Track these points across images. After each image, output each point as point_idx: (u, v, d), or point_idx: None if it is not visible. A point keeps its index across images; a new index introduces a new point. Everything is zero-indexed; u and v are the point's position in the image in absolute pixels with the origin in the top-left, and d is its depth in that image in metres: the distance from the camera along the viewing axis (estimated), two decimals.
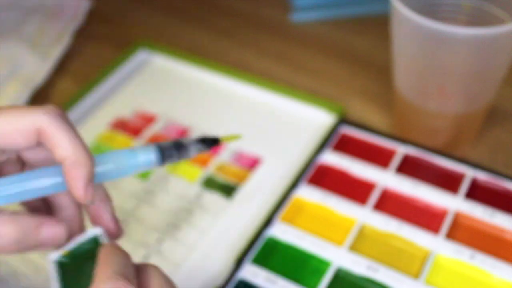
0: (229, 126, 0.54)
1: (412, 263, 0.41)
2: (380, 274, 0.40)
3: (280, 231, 0.43)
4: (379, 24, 0.60)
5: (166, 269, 0.32)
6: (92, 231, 0.32)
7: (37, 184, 0.30)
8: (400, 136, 0.50)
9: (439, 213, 0.44)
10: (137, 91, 0.59)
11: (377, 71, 0.58)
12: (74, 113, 0.55)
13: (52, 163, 0.31)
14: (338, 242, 0.42)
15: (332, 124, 0.51)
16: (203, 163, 0.50)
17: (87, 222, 0.35)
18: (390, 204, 0.45)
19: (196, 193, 0.48)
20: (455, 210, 0.44)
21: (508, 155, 0.49)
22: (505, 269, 0.40)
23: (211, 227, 0.46)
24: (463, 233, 0.43)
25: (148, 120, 0.55)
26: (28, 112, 0.29)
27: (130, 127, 0.54)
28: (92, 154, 0.30)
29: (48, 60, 0.63)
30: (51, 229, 0.31)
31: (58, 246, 0.31)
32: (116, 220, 0.34)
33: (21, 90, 0.58)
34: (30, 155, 0.32)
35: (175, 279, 0.32)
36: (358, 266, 0.41)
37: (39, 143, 0.30)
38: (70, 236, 0.32)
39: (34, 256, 0.45)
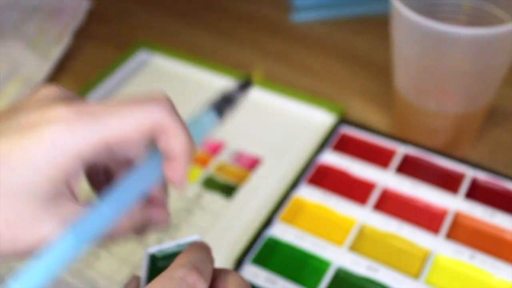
0: (229, 126, 0.54)
1: (412, 263, 0.41)
2: (380, 274, 0.40)
3: (280, 231, 0.43)
4: (379, 24, 0.60)
5: None
6: (193, 237, 0.32)
7: (149, 183, 0.30)
8: (400, 136, 0.50)
9: (439, 213, 0.44)
10: (137, 91, 0.59)
11: (377, 71, 0.58)
12: None
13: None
14: (338, 242, 0.42)
15: (332, 124, 0.51)
16: (203, 163, 0.50)
17: None
18: (390, 204, 0.45)
19: (196, 193, 0.48)
20: (455, 210, 0.44)
21: (508, 155, 0.49)
22: (505, 269, 0.40)
23: (211, 227, 0.46)
24: (463, 233, 0.43)
25: None
26: (143, 107, 0.28)
27: None
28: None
29: (48, 60, 0.63)
30: (158, 215, 0.32)
31: (162, 228, 0.33)
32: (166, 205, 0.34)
33: (21, 90, 0.58)
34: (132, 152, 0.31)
35: None
36: (358, 266, 0.41)
37: (152, 138, 0.29)
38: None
39: None
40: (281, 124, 0.53)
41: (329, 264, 0.41)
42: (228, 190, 0.48)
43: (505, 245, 0.41)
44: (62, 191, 0.27)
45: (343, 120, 0.51)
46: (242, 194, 0.48)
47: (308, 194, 0.46)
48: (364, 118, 0.53)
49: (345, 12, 0.66)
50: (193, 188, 0.49)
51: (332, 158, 0.48)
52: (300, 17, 0.67)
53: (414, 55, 0.44)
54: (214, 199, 0.48)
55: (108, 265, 0.44)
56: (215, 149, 0.51)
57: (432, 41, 0.41)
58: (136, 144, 0.29)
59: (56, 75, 0.62)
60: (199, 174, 0.50)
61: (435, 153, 0.47)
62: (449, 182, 0.46)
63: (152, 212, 0.32)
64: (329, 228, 0.44)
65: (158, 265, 0.31)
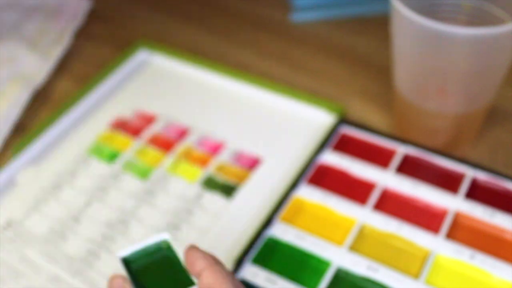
0: (229, 126, 0.54)
1: (412, 263, 0.41)
2: (380, 274, 0.40)
3: (280, 231, 0.43)
4: (379, 24, 0.60)
5: None
6: (161, 235, 0.34)
7: None
8: (400, 136, 0.50)
9: (439, 213, 0.44)
10: (137, 91, 0.59)
11: (377, 71, 0.58)
12: (74, 113, 0.56)
13: None
14: (338, 242, 0.42)
15: (332, 124, 0.51)
16: (203, 163, 0.50)
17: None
18: (390, 204, 0.45)
19: (196, 193, 0.48)
20: (455, 210, 0.44)
21: (508, 155, 0.49)
22: (505, 269, 0.40)
23: (211, 227, 0.46)
24: (463, 233, 0.43)
25: (148, 120, 0.55)
26: None
27: (130, 127, 0.54)
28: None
29: (48, 60, 0.63)
30: None
31: None
32: None
33: (21, 90, 0.58)
34: None
35: None
36: (358, 266, 0.41)
37: None
38: None
39: (34, 256, 0.45)
40: (281, 124, 0.53)
41: (329, 264, 0.41)
42: (228, 190, 0.48)
43: (505, 245, 0.41)
44: None
45: (343, 120, 0.51)
46: (242, 194, 0.48)
47: (308, 194, 0.46)
48: (364, 118, 0.53)
49: (345, 12, 0.66)
50: (193, 188, 0.49)
51: (332, 158, 0.48)
52: (300, 17, 0.67)
53: (414, 55, 0.44)
54: (214, 199, 0.48)
55: (108, 265, 0.44)
56: (215, 149, 0.52)
57: (432, 41, 0.41)
58: None
59: (56, 75, 0.62)
60: (199, 174, 0.50)
61: (435, 153, 0.47)
62: (449, 182, 0.46)
63: None
64: (329, 228, 0.44)
65: (133, 267, 0.32)
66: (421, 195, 0.45)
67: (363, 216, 0.44)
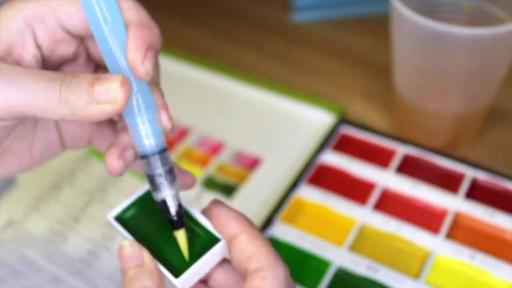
0: (229, 126, 0.54)
1: (412, 263, 0.41)
2: (380, 274, 0.40)
3: (280, 231, 0.43)
4: (379, 24, 0.60)
5: None
6: (144, 188, 0.32)
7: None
8: (400, 136, 0.50)
9: (439, 213, 0.44)
10: None
11: (377, 71, 0.58)
12: None
13: None
14: (338, 242, 0.42)
15: (332, 124, 0.51)
16: (203, 163, 0.50)
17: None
18: (390, 204, 0.45)
19: (196, 193, 0.48)
20: (455, 210, 0.44)
21: (508, 155, 0.49)
22: (505, 269, 0.40)
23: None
24: (463, 233, 0.43)
25: None
26: None
27: None
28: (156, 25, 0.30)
29: None
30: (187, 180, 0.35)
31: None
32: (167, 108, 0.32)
33: None
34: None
35: None
36: (358, 266, 0.41)
37: None
38: None
39: (34, 256, 0.45)
40: (281, 124, 0.53)
41: (329, 264, 0.41)
42: (228, 190, 0.48)
43: (505, 245, 0.41)
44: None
45: (343, 120, 0.51)
46: (242, 194, 0.48)
47: (308, 194, 0.46)
48: (364, 118, 0.53)
49: (345, 12, 0.67)
50: (193, 188, 0.49)
51: (332, 158, 0.48)
52: (300, 17, 0.67)
53: (414, 55, 0.44)
54: None
55: (108, 265, 0.44)
56: (215, 149, 0.52)
57: (432, 41, 0.41)
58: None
59: None
60: (199, 174, 0.50)
61: (435, 153, 0.47)
62: (449, 182, 0.46)
63: (181, 179, 0.32)
64: (329, 228, 0.44)
65: (131, 222, 0.30)
66: (421, 195, 0.45)
67: (363, 216, 0.44)
